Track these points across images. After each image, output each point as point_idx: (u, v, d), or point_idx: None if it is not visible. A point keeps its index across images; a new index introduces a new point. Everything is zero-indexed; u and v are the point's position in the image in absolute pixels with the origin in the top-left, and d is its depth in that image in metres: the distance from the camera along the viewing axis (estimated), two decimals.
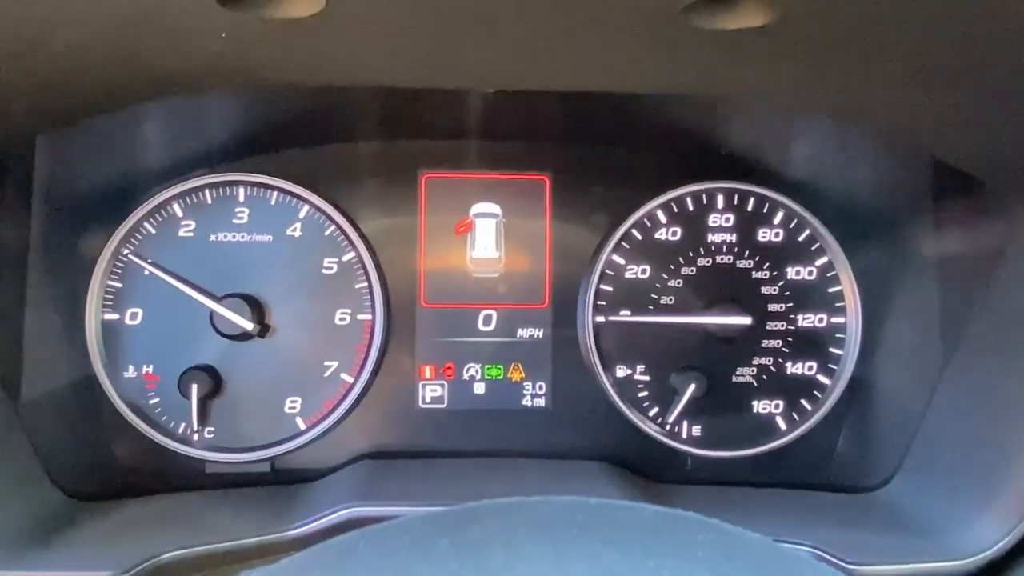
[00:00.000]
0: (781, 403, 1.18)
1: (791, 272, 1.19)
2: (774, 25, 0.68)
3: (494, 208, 1.19)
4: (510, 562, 0.38)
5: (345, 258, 1.15)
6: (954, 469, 0.95)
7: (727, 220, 1.19)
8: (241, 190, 1.14)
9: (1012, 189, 0.92)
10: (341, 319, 1.15)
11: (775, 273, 1.18)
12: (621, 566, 0.38)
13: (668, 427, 1.17)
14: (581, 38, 0.79)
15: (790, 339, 1.18)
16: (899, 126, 0.90)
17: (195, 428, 1.11)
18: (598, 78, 0.92)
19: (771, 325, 1.18)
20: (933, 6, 0.64)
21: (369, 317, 1.15)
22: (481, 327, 1.18)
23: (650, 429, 1.17)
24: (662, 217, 1.18)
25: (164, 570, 0.83)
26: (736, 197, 1.19)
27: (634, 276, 1.18)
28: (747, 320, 1.15)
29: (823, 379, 1.18)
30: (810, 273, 1.19)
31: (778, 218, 1.19)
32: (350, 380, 1.14)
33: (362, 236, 1.15)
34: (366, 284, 1.15)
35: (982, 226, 1.00)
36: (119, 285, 1.12)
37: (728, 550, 0.43)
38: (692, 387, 1.15)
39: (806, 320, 1.19)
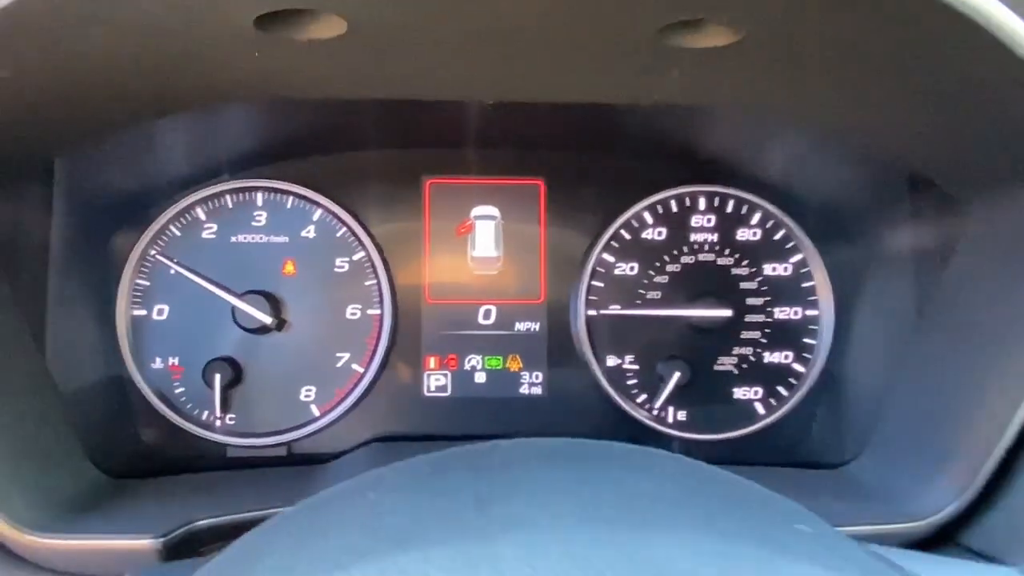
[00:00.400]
0: (760, 390, 1.28)
1: (768, 268, 1.28)
2: (738, 44, 0.78)
3: (493, 211, 1.28)
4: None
5: (355, 258, 1.24)
6: (912, 444, 1.05)
7: (709, 221, 1.28)
8: (259, 195, 1.23)
9: (963, 191, 1.01)
10: (352, 314, 1.24)
11: (753, 269, 1.28)
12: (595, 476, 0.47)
13: (655, 413, 1.26)
14: (573, 56, 0.89)
15: (767, 330, 1.28)
16: (859, 134, 1.00)
17: (217, 415, 1.20)
18: (588, 91, 1.02)
19: (750, 318, 1.28)
20: (882, 32, 0.74)
21: (378, 312, 1.24)
22: (481, 321, 1.27)
23: (638, 415, 1.26)
24: (648, 218, 1.28)
25: (197, 535, 0.92)
26: (717, 199, 1.28)
27: (623, 273, 1.27)
28: (727, 313, 1.25)
29: (798, 367, 1.28)
30: (785, 269, 1.28)
31: (756, 219, 1.28)
32: (361, 370, 1.24)
33: (371, 237, 1.24)
34: (375, 282, 1.24)
35: (939, 224, 1.09)
36: (147, 283, 1.21)
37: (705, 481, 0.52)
38: (677, 375, 1.24)
39: (782, 313, 1.28)
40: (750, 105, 0.98)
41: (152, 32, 0.76)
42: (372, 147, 1.27)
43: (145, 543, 0.89)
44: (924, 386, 1.07)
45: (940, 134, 0.92)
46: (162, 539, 0.89)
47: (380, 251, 1.24)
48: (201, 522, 0.92)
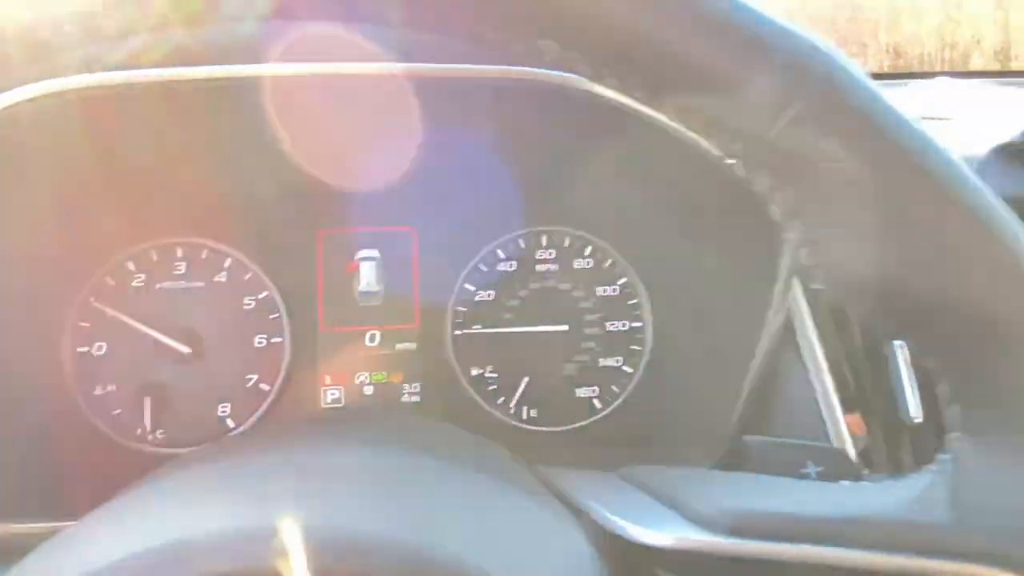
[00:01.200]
0: (597, 388, 1.57)
1: (600, 291, 1.58)
2: None
3: (375, 253, 1.56)
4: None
5: (260, 296, 1.51)
6: (691, 421, 1.35)
7: (550, 254, 1.58)
8: (179, 249, 1.50)
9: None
10: (259, 342, 1.51)
11: (588, 292, 1.58)
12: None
13: (512, 411, 1.55)
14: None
15: (602, 340, 1.57)
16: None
17: (149, 430, 1.46)
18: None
19: (587, 331, 1.57)
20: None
21: (280, 340, 1.51)
22: (368, 344, 1.55)
23: (498, 413, 1.54)
24: (502, 254, 1.57)
25: None
26: (556, 236, 1.59)
27: (482, 299, 1.56)
28: (565, 328, 1.55)
29: (627, 369, 1.57)
30: (614, 290, 1.58)
31: (588, 251, 1.58)
32: (268, 388, 1.50)
33: (273, 280, 1.52)
34: (278, 315, 1.51)
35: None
36: (87, 325, 1.47)
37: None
38: (526, 380, 1.53)
39: (612, 326, 1.58)
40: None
41: None
42: (274, 207, 1.54)
43: None
44: (699, 375, 1.38)
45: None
46: None
47: (281, 291, 1.52)
48: None
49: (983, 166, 1.22)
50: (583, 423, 1.56)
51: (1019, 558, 0.56)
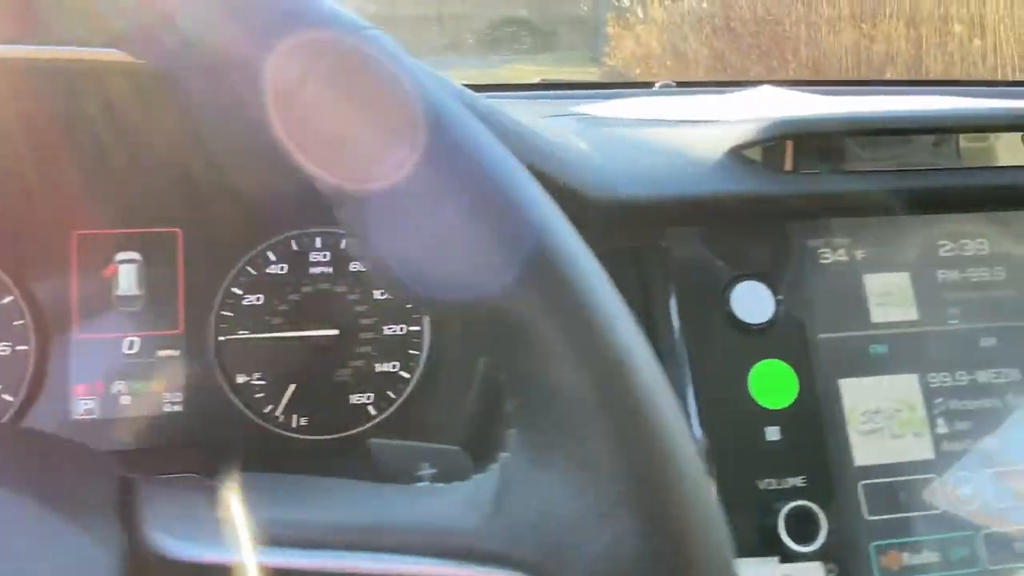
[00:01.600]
0: (372, 394, 1.52)
1: (377, 294, 1.54)
2: None
3: (135, 256, 1.48)
4: None
5: (4, 301, 1.42)
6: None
7: (325, 256, 1.53)
8: None
9: None
10: (2, 351, 1.42)
11: (365, 295, 1.53)
12: None
13: (279, 420, 1.49)
14: None
15: (378, 345, 1.53)
16: None
17: None
18: None
19: (362, 335, 1.52)
20: None
21: (27, 347, 1.42)
22: (126, 351, 1.47)
23: (263, 422, 1.48)
24: (272, 256, 1.52)
25: None
26: (331, 238, 1.54)
27: (250, 303, 1.50)
28: (335, 332, 1.50)
29: (404, 374, 1.53)
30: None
31: None
32: (11, 399, 1.41)
33: (19, 284, 1.43)
34: (23, 321, 1.42)
35: None
36: None
37: None
38: (292, 388, 1.48)
39: (390, 330, 1.54)
40: None
41: None
42: (22, 207, 1.45)
43: None
44: (466, 381, 1.36)
45: None
46: None
47: (27, 295, 1.42)
48: None
49: (718, 167, 1.23)
50: (357, 431, 1.51)
51: (533, 562, 0.53)
